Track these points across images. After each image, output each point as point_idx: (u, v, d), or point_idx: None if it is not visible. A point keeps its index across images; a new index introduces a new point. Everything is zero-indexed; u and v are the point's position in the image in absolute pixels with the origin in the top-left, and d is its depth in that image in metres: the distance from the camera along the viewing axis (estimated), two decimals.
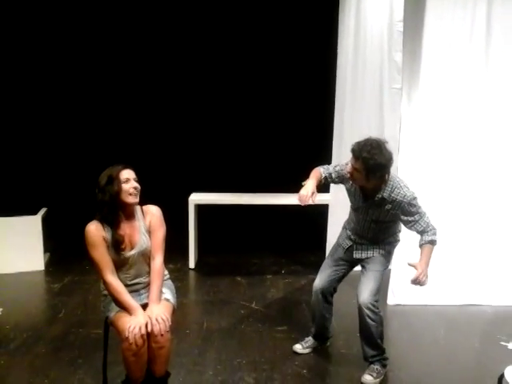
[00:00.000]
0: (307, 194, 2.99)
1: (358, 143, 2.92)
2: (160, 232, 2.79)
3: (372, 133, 4.76)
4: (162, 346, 2.59)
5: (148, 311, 2.60)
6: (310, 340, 3.55)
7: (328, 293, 3.36)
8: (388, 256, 3.27)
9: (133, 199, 2.67)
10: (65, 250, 5.57)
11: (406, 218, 3.02)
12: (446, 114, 4.49)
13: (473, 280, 4.44)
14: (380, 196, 2.99)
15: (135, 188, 2.67)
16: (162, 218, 2.82)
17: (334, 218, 5.07)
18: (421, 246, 3.02)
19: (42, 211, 5.17)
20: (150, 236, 2.77)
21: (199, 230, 5.42)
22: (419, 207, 3.01)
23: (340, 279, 3.38)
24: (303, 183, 3.11)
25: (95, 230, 2.63)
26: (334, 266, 3.34)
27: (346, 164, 3.08)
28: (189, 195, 5.21)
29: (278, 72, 6.12)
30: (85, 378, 3.12)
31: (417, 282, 2.92)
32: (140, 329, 2.50)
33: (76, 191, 6.15)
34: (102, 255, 2.62)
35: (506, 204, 4.46)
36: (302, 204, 3.03)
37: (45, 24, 5.88)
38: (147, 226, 2.77)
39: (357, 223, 3.22)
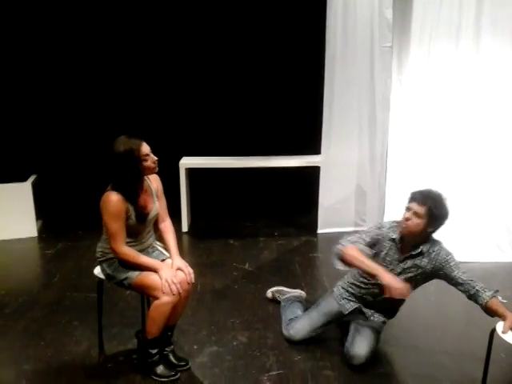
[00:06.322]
0: (402, 287, 2.67)
1: (421, 191, 2.74)
2: (164, 197, 2.91)
3: (362, 91, 4.79)
4: (188, 295, 2.82)
5: (175, 263, 2.74)
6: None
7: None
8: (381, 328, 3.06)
9: (155, 170, 2.73)
10: (57, 217, 5.57)
11: (455, 274, 2.72)
12: (436, 74, 4.45)
13: (462, 238, 4.50)
14: (419, 250, 2.79)
15: (155, 162, 2.70)
16: None
17: (325, 180, 5.09)
18: (487, 304, 2.60)
19: (32, 178, 5.13)
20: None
21: (192, 194, 5.43)
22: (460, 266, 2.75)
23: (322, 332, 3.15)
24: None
25: (118, 202, 2.58)
26: (324, 323, 3.11)
27: (379, 228, 2.90)
28: (180, 159, 5.19)
29: (267, 32, 5.99)
30: (81, 339, 3.17)
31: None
32: (178, 279, 2.64)
33: (65, 157, 6.11)
34: (121, 228, 2.60)
35: (492, 165, 4.50)
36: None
37: None
38: (156, 191, 2.83)
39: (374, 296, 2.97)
